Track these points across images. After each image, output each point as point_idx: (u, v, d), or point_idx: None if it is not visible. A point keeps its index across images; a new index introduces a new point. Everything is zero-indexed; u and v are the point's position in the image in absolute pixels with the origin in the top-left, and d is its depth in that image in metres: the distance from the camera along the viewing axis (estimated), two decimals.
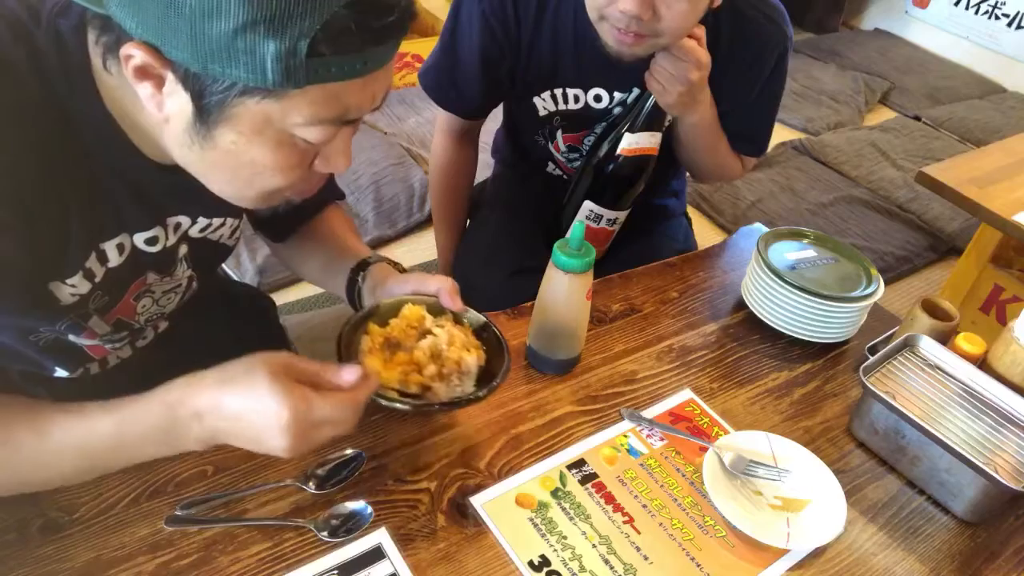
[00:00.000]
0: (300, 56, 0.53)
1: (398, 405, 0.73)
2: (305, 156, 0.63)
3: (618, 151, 1.17)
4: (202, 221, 0.80)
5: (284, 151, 0.61)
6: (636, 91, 1.17)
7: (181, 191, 0.71)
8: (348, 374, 0.69)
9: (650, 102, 1.14)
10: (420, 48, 3.02)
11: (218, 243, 0.86)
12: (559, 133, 1.27)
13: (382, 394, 0.73)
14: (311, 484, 0.76)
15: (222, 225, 0.84)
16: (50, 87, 0.62)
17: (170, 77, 0.56)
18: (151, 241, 0.75)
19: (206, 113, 0.57)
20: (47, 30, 0.62)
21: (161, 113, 0.59)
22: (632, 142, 1.17)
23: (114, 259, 0.72)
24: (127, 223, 0.72)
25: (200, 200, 0.73)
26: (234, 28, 0.52)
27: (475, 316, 0.85)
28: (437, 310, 0.83)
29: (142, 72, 0.56)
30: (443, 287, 0.83)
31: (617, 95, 1.19)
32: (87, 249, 0.69)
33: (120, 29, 0.55)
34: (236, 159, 0.61)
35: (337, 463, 0.79)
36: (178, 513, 0.72)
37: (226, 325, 1.03)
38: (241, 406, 0.64)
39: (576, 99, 1.21)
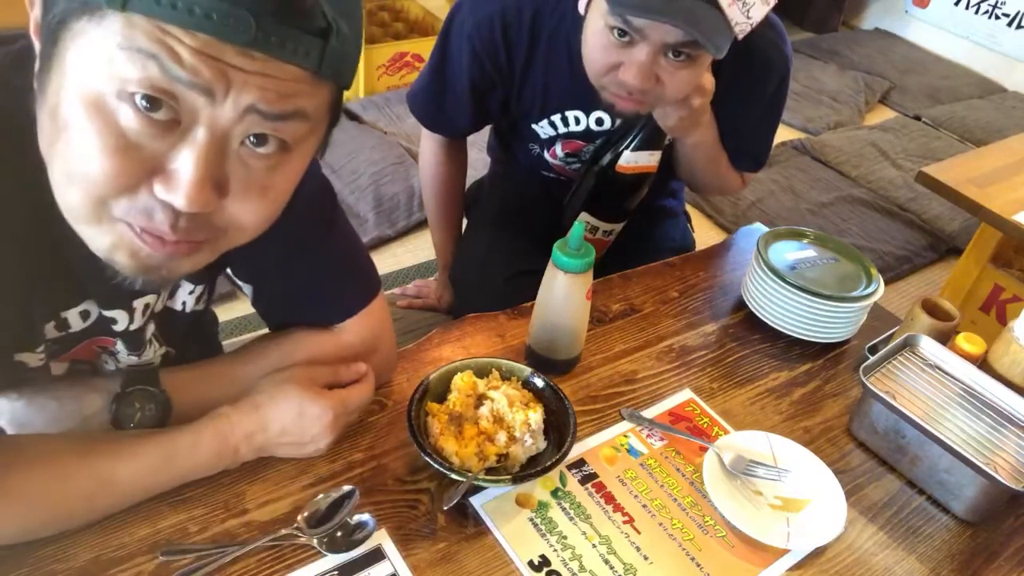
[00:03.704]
0: None
1: (503, 483, 0.77)
2: (131, 146, 0.51)
3: (617, 168, 1.17)
4: (164, 293, 0.77)
5: (101, 121, 0.50)
6: None
7: None
8: (362, 366, 0.82)
9: (651, 122, 1.13)
10: (420, 48, 3.02)
11: (183, 312, 0.81)
12: (559, 143, 1.27)
13: (476, 476, 0.75)
14: (304, 527, 0.72)
15: (178, 291, 0.79)
16: (10, 147, 0.58)
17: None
18: (112, 320, 0.73)
19: (44, 47, 0.52)
20: (1, 86, 0.58)
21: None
22: (631, 160, 1.16)
23: (76, 325, 0.70)
24: (91, 291, 0.69)
25: None
26: None
27: (518, 367, 0.87)
28: (483, 370, 0.86)
29: (35, 27, 0.53)
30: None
31: (619, 119, 1.18)
32: (48, 318, 0.68)
33: None
34: (56, 120, 0.52)
35: (333, 501, 0.74)
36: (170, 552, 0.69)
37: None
38: (285, 421, 0.75)
39: (577, 121, 1.20)
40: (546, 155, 1.30)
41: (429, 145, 1.37)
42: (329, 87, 0.56)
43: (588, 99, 1.14)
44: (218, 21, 0.47)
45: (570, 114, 1.19)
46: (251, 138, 0.54)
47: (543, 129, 1.22)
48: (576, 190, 1.27)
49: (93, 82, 0.50)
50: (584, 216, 1.24)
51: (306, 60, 0.51)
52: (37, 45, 0.54)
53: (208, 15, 0.47)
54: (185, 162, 0.52)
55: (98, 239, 0.56)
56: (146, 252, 0.56)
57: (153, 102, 0.50)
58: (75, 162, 0.52)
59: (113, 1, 0.47)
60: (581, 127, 1.20)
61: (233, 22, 0.48)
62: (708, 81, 1.06)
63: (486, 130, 1.46)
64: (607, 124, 1.19)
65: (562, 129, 1.22)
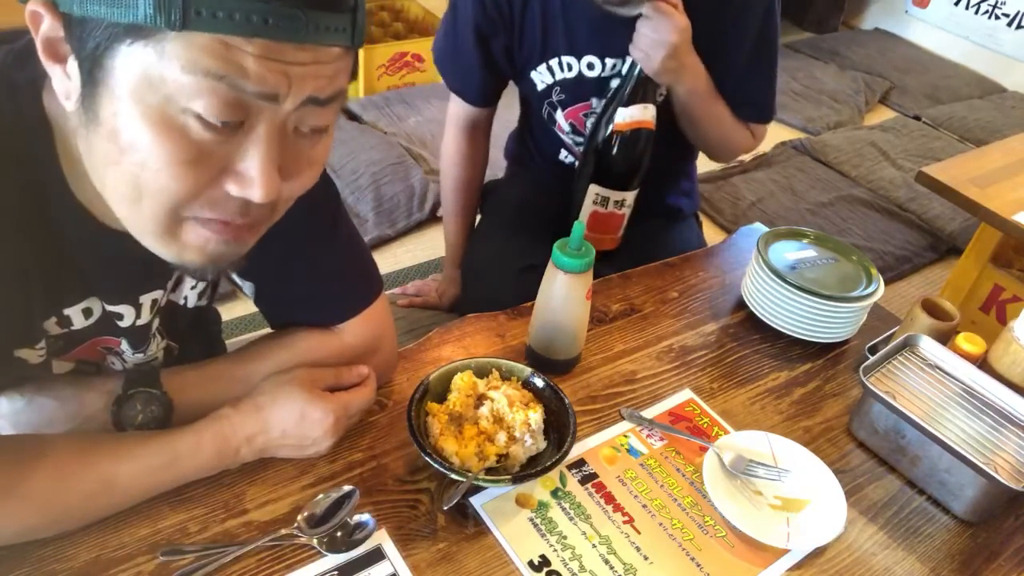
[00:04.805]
0: None
1: (503, 483, 0.77)
2: (203, 155, 0.53)
3: (614, 127, 1.18)
4: (169, 286, 0.77)
5: (172, 136, 0.51)
6: (629, 59, 1.17)
7: (144, 260, 0.62)
8: (364, 369, 0.82)
9: (639, 73, 1.15)
10: (420, 48, 3.02)
11: (185, 307, 0.82)
12: (558, 112, 1.27)
13: (476, 476, 0.75)
14: (304, 527, 0.72)
15: (181, 286, 0.79)
16: (11, 143, 0.58)
17: (71, 54, 0.52)
18: (118, 316, 0.73)
19: (87, 73, 0.52)
20: (3, 84, 0.59)
21: (70, 103, 0.54)
22: (626, 116, 1.17)
23: (79, 323, 0.70)
24: (95, 289, 0.70)
25: (163, 264, 0.63)
26: None
27: (518, 367, 0.87)
28: (483, 370, 0.86)
29: (49, 48, 0.53)
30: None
31: (609, 62, 1.20)
32: (48, 314, 0.68)
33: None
34: (119, 142, 0.53)
35: (333, 501, 0.75)
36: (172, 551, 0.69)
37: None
38: (287, 423, 0.75)
39: (569, 67, 1.23)
40: (557, 116, 1.30)
41: (451, 132, 1.40)
42: (353, 53, 0.58)
43: (580, 44, 1.18)
44: (274, 24, 0.49)
45: (564, 59, 1.22)
46: (307, 127, 0.57)
47: (541, 76, 1.25)
48: (580, 170, 1.28)
49: (155, 102, 0.51)
50: (593, 188, 1.24)
51: (343, 37, 0.54)
52: (46, 64, 0.54)
53: (265, 19, 0.49)
54: (254, 160, 0.54)
55: (167, 247, 0.58)
56: (215, 242, 0.58)
57: (224, 118, 0.52)
58: (148, 178, 0.53)
59: (172, 22, 0.48)
60: (573, 73, 1.23)
61: (288, 21, 0.50)
62: (683, 19, 1.08)
63: (502, 132, 1.47)
64: (597, 69, 1.21)
65: (558, 75, 1.24)
